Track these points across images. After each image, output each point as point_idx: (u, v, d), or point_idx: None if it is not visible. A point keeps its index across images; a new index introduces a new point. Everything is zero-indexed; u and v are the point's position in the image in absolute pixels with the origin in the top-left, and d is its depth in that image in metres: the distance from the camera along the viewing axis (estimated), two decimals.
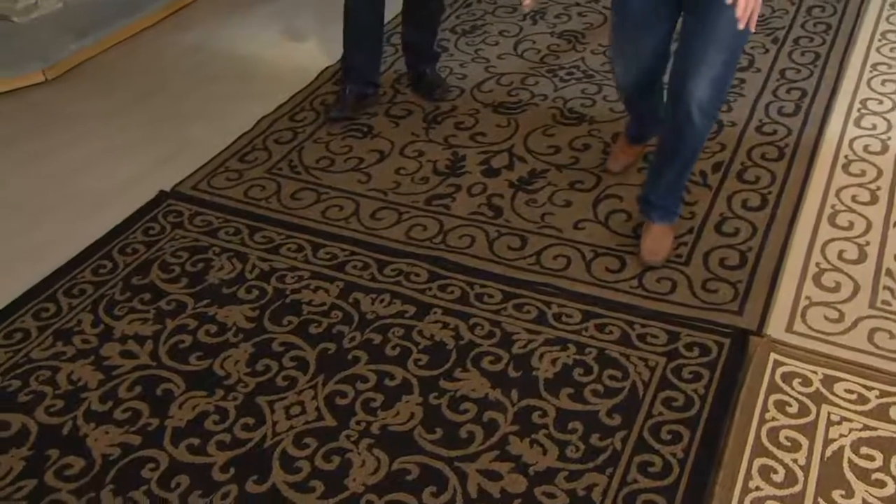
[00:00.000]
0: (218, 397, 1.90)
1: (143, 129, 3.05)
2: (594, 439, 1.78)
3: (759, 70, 3.22)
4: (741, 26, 1.68)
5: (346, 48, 3.01)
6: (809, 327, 2.04)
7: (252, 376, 1.96)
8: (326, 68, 3.36)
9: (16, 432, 1.84)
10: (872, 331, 2.01)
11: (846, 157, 2.66)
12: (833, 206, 2.45)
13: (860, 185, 2.51)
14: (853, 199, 2.47)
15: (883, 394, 1.84)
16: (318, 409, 1.86)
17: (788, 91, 3.06)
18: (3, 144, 2.97)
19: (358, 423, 1.83)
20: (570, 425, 1.81)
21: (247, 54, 3.55)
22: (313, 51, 3.54)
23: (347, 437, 1.80)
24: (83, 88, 3.33)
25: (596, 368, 1.95)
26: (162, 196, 2.63)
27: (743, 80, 3.14)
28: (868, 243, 2.29)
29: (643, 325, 2.06)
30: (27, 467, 1.76)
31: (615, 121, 2.89)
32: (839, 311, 2.08)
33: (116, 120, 3.12)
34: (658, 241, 2.25)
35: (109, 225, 2.50)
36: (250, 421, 1.84)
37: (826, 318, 2.06)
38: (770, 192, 2.53)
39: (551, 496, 1.67)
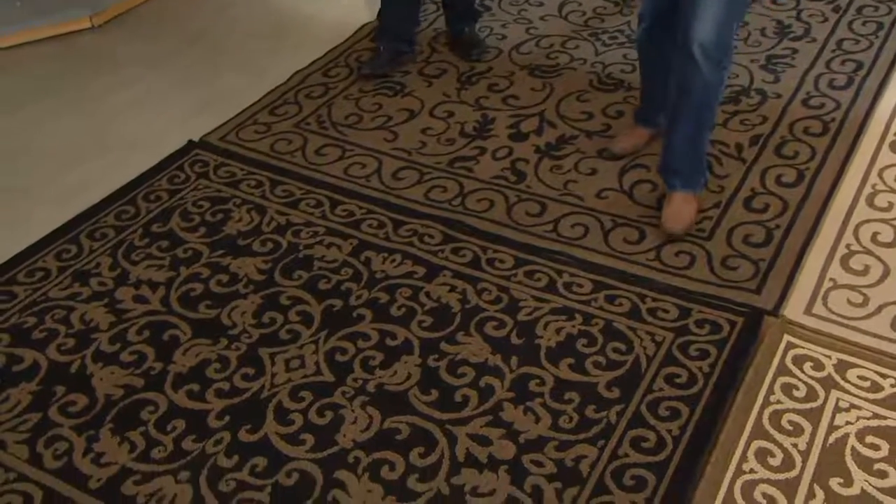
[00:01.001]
0: (222, 346, 1.94)
1: (180, 78, 3.10)
2: (589, 411, 1.77)
3: (814, 40, 3.09)
4: None
5: (383, 4, 3.01)
6: (830, 310, 1.98)
7: (257, 328, 1.99)
8: (365, 24, 3.35)
9: (27, 367, 1.92)
10: None
11: None
12: (874, 186, 2.36)
13: None
14: None
15: None
16: (317, 363, 1.90)
17: (843, 63, 2.95)
18: (47, 90, 3.05)
19: (355, 380, 1.86)
20: (567, 395, 1.81)
21: (286, 8, 3.57)
22: (353, 6, 3.53)
23: (343, 393, 1.83)
24: (127, 36, 3.40)
25: (600, 340, 1.93)
26: (190, 146, 2.68)
27: (795, 51, 3.02)
28: None
29: (655, 300, 2.03)
30: (34, 401, 1.84)
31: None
32: (864, 294, 2.01)
33: (156, 68, 3.17)
34: (679, 208, 2.21)
35: (138, 171, 2.56)
36: (250, 371, 1.88)
37: (849, 301, 2.00)
38: (808, 168, 2.45)
39: (539, 464, 1.67)
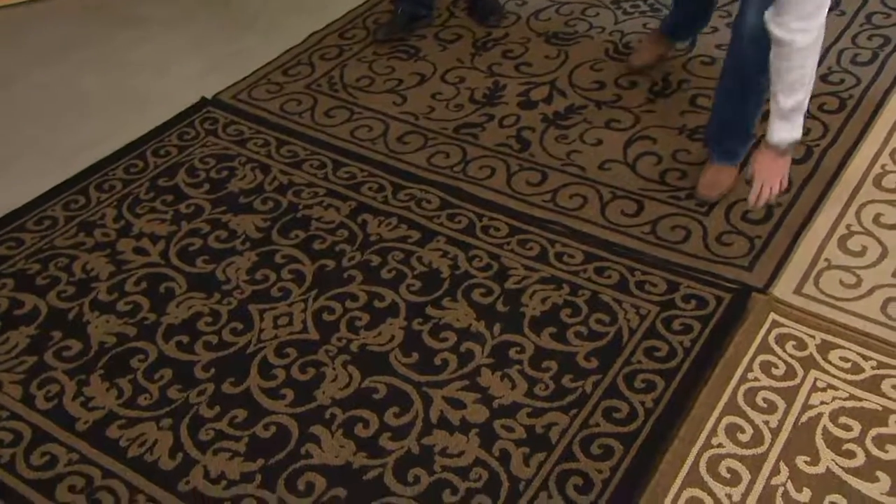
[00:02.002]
0: (214, 300, 2.02)
1: (198, 37, 3.16)
2: (566, 380, 1.81)
3: (843, 13, 3.03)
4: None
5: None
6: (821, 290, 1.98)
7: (250, 284, 2.06)
8: None
9: (28, 311, 2.02)
10: (888, 300, 1.94)
11: None
12: (884, 167, 2.33)
13: None
14: None
15: (880, 365, 1.79)
16: (304, 322, 1.96)
17: (870, 38, 2.89)
18: (65, 46, 3.14)
19: (339, 339, 1.92)
20: (545, 364, 1.84)
21: None
22: None
23: (326, 351, 1.89)
24: None
25: (585, 311, 1.96)
26: (202, 103, 2.74)
27: None
28: None
29: (644, 273, 2.05)
30: (31, 344, 1.94)
31: (671, 60, 2.79)
32: (858, 276, 2.00)
33: (175, 26, 3.24)
34: (716, 176, 2.23)
35: (151, 126, 2.63)
36: (239, 326, 1.95)
37: (842, 282, 1.99)
38: (818, 146, 2.42)
39: (509, 429, 1.71)
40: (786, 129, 1.92)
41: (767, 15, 1.84)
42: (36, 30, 3.26)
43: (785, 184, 2.00)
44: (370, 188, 2.36)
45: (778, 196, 2.02)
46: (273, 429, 1.73)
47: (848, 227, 2.14)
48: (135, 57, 3.07)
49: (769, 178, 2.00)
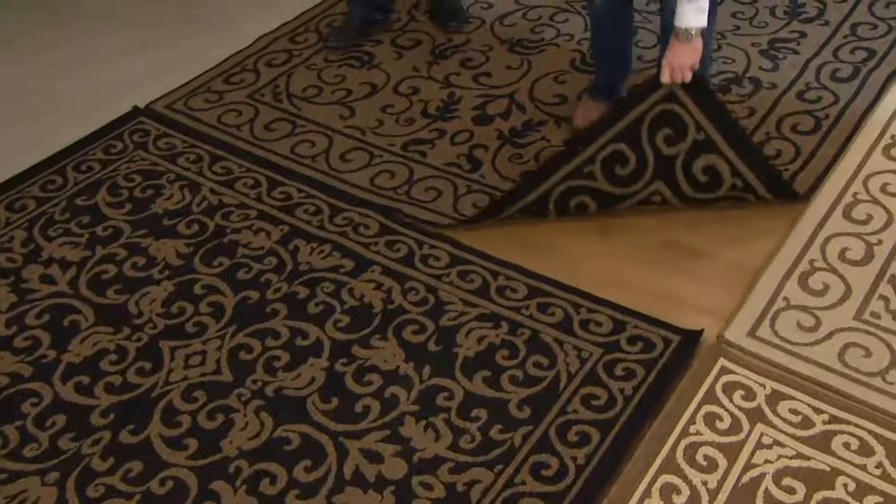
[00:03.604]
0: (123, 336, 1.96)
1: (141, 33, 3.11)
2: (494, 431, 1.75)
3: (826, 23, 2.98)
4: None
5: None
6: (776, 333, 1.92)
7: (164, 318, 2.00)
8: None
9: None
10: (847, 346, 1.88)
11: (893, 136, 2.45)
12: (855, 195, 2.28)
13: None
14: (883, 188, 2.29)
15: (832, 419, 1.73)
16: (218, 361, 1.90)
17: (853, 51, 2.84)
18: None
19: (254, 381, 1.86)
20: (475, 412, 1.79)
21: None
22: None
23: (239, 395, 1.83)
24: None
25: (523, 352, 1.90)
26: (135, 112, 2.68)
27: (803, 35, 2.92)
28: (880, 242, 2.13)
29: (590, 311, 1.99)
30: None
31: (641, 70, 2.73)
32: (816, 318, 1.95)
33: (118, 20, 3.19)
34: (593, 112, 2.39)
35: (74, 138, 2.57)
36: (146, 365, 1.89)
37: (799, 324, 1.94)
38: (786, 171, 2.36)
39: (427, 487, 1.66)
40: (692, 13, 2.01)
41: None
42: None
43: (693, 69, 2.08)
44: (306, 211, 2.31)
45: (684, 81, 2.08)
46: (170, 484, 1.67)
47: (811, 262, 2.08)
48: (66, 56, 3.00)
49: (679, 65, 2.07)
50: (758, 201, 2.21)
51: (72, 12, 3.23)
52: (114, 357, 1.92)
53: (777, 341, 1.90)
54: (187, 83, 2.83)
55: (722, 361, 1.86)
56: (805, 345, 1.89)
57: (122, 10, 3.23)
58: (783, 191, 2.23)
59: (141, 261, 2.16)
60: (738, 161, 2.14)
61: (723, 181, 2.16)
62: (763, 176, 2.18)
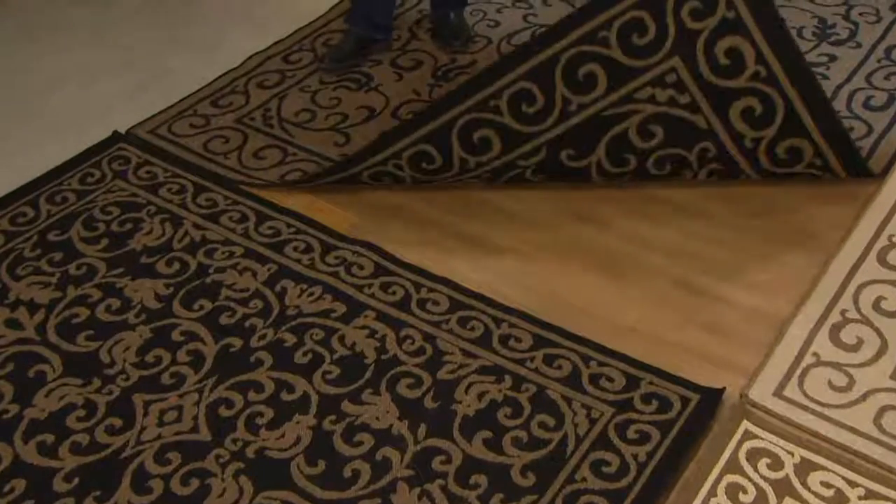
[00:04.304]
0: (93, 388, 1.88)
1: (126, 49, 3.04)
2: (496, 501, 1.67)
3: (858, 45, 2.92)
4: None
5: None
6: (804, 393, 1.84)
7: (138, 367, 1.93)
8: None
9: None
10: (883, 409, 1.79)
11: None
12: (891, 237, 2.20)
13: None
14: None
15: (868, 494, 1.65)
16: (195, 418, 1.82)
17: (888, 77, 2.76)
18: None
19: (234, 441, 1.78)
20: (473, 479, 1.71)
21: None
22: None
23: (217, 457, 1.75)
24: None
25: (527, 411, 1.82)
26: (115, 138, 2.62)
27: (833, 58, 2.85)
28: None
29: (601, 364, 1.92)
30: None
31: None
32: (850, 376, 1.87)
33: (104, 36, 3.12)
34: None
35: (49, 165, 2.50)
36: (117, 423, 1.81)
37: (831, 383, 1.85)
38: None
39: None
40: None
41: None
42: None
43: None
44: (295, 248, 2.24)
45: None
46: None
47: (843, 312, 2.00)
48: (45, 74, 2.93)
49: None
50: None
51: (52, 25, 3.17)
52: (82, 413, 1.84)
53: (806, 402, 1.81)
54: (172, 106, 2.77)
55: (746, 424, 1.77)
56: (837, 407, 1.80)
57: (103, 25, 3.17)
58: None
59: (116, 303, 2.08)
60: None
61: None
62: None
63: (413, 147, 2.23)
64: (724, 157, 2.21)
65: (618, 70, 2.14)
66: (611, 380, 1.88)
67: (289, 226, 2.31)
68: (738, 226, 2.26)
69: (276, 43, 3.05)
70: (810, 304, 2.02)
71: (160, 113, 2.74)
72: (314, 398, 1.86)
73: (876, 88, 2.71)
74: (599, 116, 2.18)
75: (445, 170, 2.24)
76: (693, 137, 2.20)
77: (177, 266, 2.18)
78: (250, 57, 2.98)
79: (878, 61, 2.84)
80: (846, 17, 3.05)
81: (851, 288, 2.06)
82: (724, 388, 1.84)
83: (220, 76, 2.90)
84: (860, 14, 3.07)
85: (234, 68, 2.94)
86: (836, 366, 1.88)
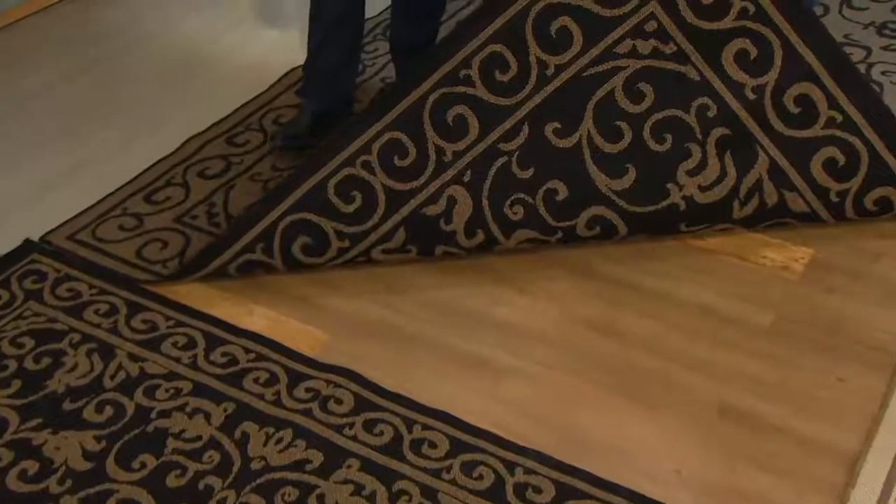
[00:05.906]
0: None
1: (39, 133, 2.85)
2: None
3: None
4: None
5: (311, 46, 2.72)
6: None
7: None
8: (295, 68, 3.08)
9: None
10: None
11: None
12: None
13: None
14: None
15: None
16: None
17: None
18: None
19: None
20: None
21: (197, 37, 3.33)
22: (283, 42, 3.25)
23: None
24: None
25: None
26: (27, 248, 2.39)
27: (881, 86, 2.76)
28: None
29: None
30: None
31: None
32: None
33: (13, 115, 2.93)
34: None
35: None
36: None
37: None
38: None
39: None
40: None
41: None
42: None
43: None
44: (257, 380, 2.02)
45: None
46: None
47: None
48: None
49: None
50: None
51: None
52: None
53: None
54: (96, 204, 2.55)
55: None
56: None
57: (17, 99, 2.98)
58: None
59: (33, 467, 1.83)
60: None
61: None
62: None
63: (388, 133, 2.22)
64: (728, 115, 2.19)
65: (592, 21, 2.15)
66: None
67: (247, 350, 2.09)
68: (783, 331, 2.10)
69: (217, 122, 2.87)
70: (881, 434, 1.85)
71: (81, 214, 2.52)
72: None
73: None
74: (580, 78, 2.18)
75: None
76: (687, 92, 2.19)
77: (109, 412, 1.95)
78: (187, 140, 2.79)
79: None
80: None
81: None
82: None
83: (153, 165, 2.70)
84: (883, 73, 2.99)
85: (168, 155, 2.74)
86: None
